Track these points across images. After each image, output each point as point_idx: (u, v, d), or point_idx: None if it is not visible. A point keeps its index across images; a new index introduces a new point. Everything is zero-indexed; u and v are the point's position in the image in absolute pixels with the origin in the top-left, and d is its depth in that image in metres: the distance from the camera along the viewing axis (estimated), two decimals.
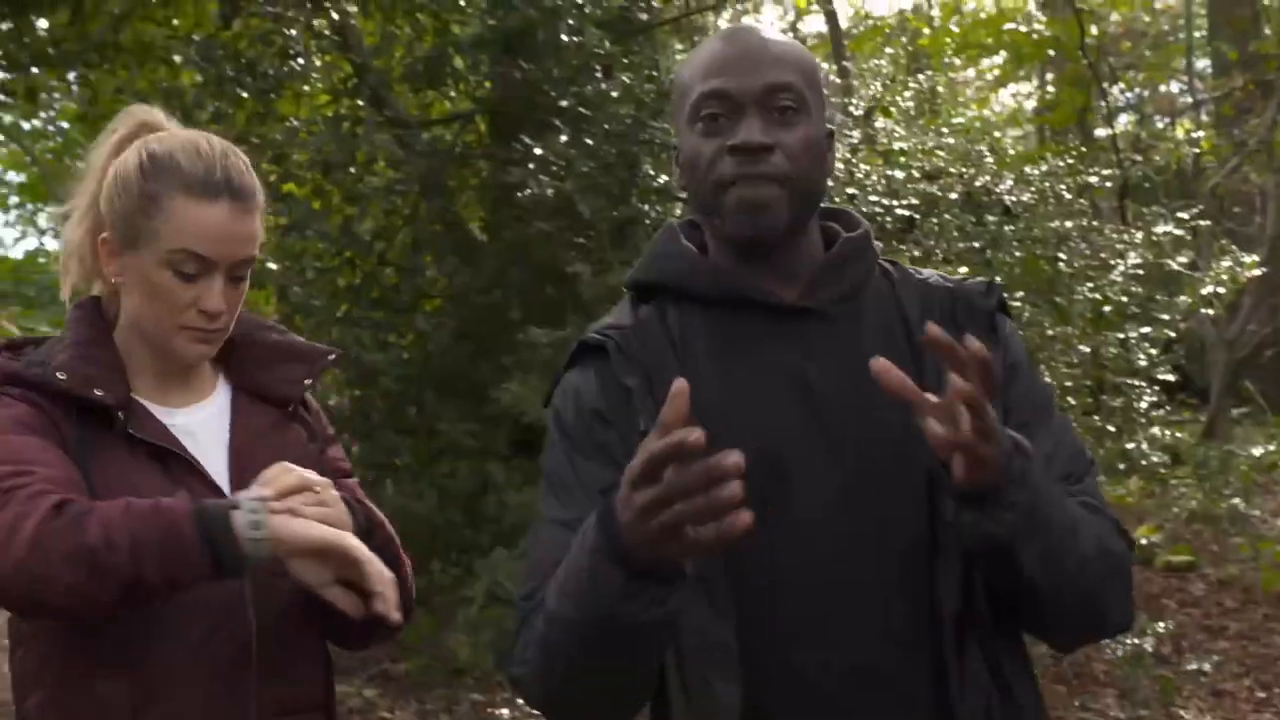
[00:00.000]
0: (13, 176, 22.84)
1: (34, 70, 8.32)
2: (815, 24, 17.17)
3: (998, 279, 2.08)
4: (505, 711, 6.21)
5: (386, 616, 1.89)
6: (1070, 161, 6.73)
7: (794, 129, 1.88)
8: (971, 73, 16.43)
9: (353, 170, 7.30)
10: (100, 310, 2.12)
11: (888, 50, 11.89)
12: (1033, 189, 6.54)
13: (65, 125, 19.41)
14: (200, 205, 1.98)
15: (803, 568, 1.86)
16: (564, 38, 7.44)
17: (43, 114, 17.05)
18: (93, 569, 1.76)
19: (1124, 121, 13.96)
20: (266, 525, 1.82)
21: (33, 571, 1.77)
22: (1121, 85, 13.20)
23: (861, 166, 7.11)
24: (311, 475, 1.93)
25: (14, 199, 23.47)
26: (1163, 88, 16.63)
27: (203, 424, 2.11)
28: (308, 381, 2.22)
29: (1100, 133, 12.25)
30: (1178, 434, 7.70)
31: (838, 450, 1.88)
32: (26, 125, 19.06)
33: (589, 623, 1.70)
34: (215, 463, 2.07)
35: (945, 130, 7.19)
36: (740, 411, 1.88)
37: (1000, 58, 15.72)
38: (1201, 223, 8.91)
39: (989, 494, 1.71)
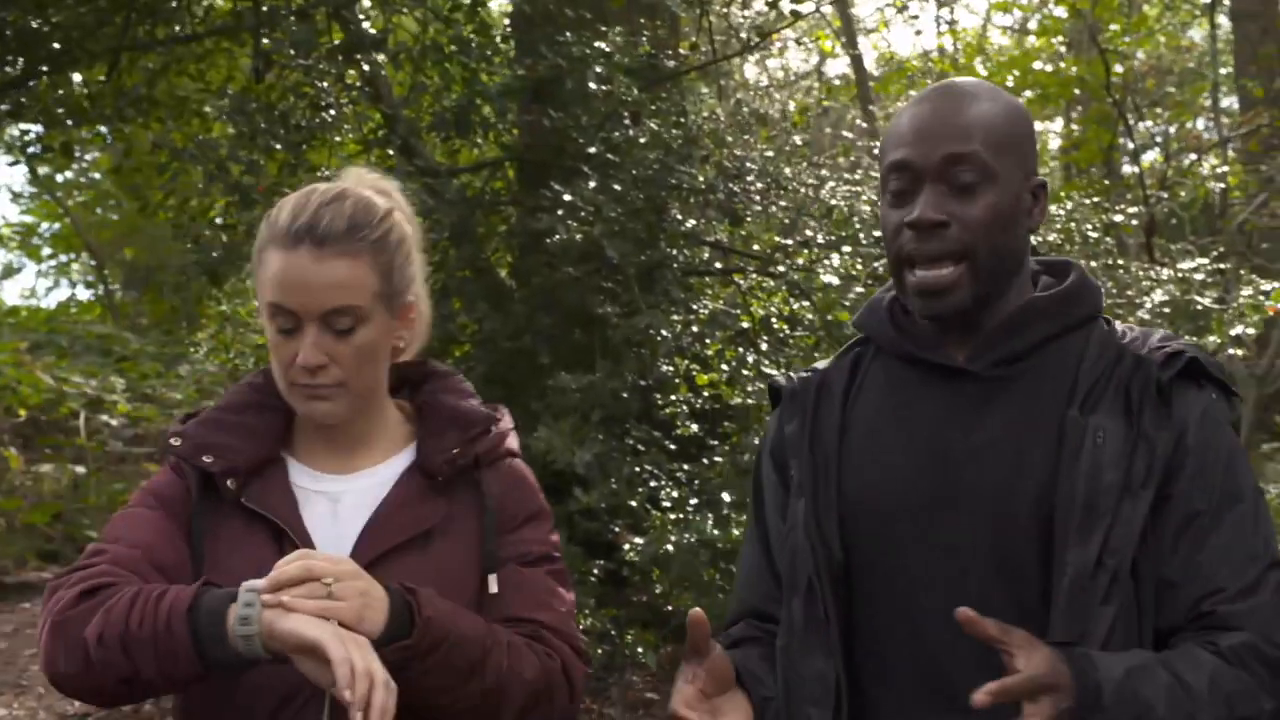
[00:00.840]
0: (45, 227, 23.09)
1: (70, 125, 8.45)
2: (840, 66, 17.27)
3: (1188, 344, 1.94)
4: None
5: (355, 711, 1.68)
6: (1096, 200, 6.73)
7: (974, 201, 1.87)
8: None
9: None
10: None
11: (912, 92, 11.95)
12: (1058, 227, 6.56)
13: (97, 176, 19.65)
14: (279, 255, 1.95)
15: (909, 617, 1.91)
16: (592, 85, 7.51)
17: (75, 166, 17.27)
18: (89, 662, 1.79)
19: (1149, 158, 13.96)
20: (257, 620, 1.73)
21: (46, 657, 1.85)
22: (1147, 122, 13.22)
23: None
24: (324, 565, 1.78)
25: (46, 250, 23.72)
26: (1188, 124, 16.62)
27: (358, 491, 2.04)
28: (455, 451, 2.06)
29: (1126, 169, 12.27)
30: None
31: (958, 511, 1.89)
32: (60, 177, 19.30)
33: None
34: (349, 533, 1.98)
35: None
36: (878, 465, 1.97)
37: (1025, 97, 15.76)
38: (1228, 262, 8.90)
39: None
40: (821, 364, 2.17)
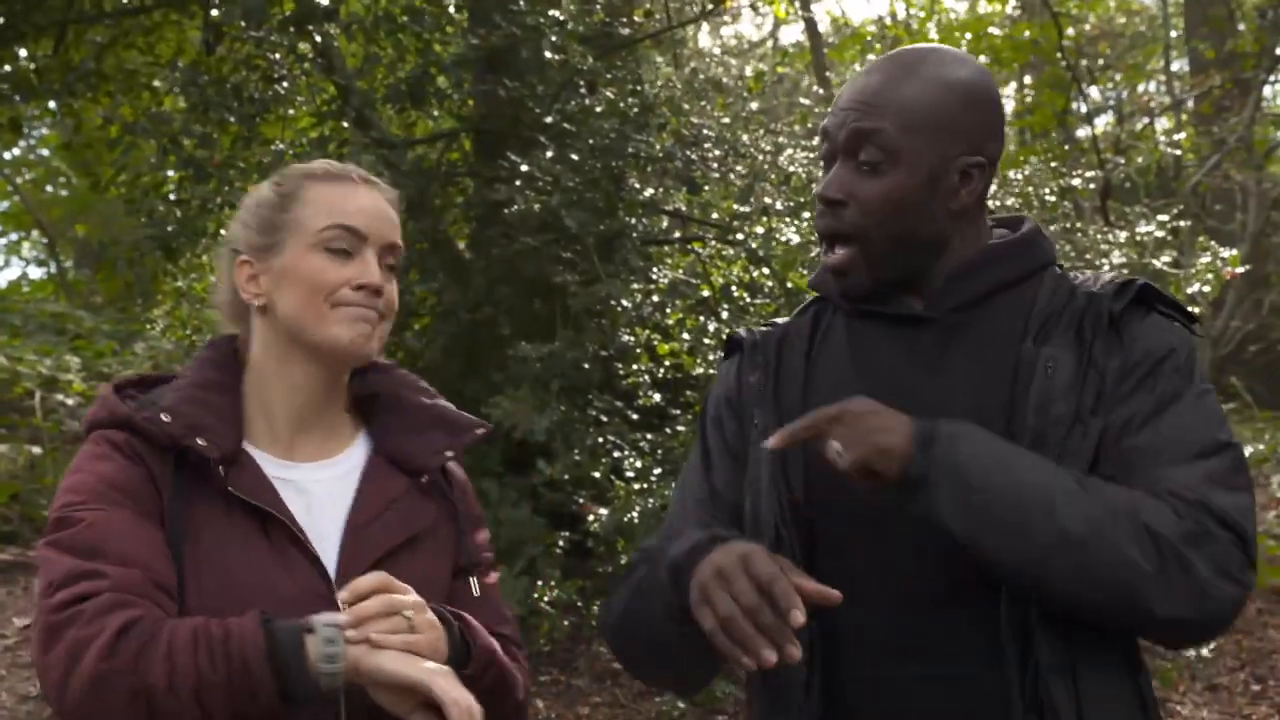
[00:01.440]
0: None
1: (17, 100, 8.32)
2: (794, 33, 17.27)
3: (1141, 279, 1.96)
4: None
5: None
6: (1053, 164, 6.76)
7: (877, 180, 1.88)
8: None
9: None
10: (234, 351, 2.04)
11: (868, 57, 11.95)
12: (1016, 192, 6.59)
13: (45, 153, 19.42)
14: (337, 186, 1.99)
15: (878, 560, 1.91)
16: (547, 54, 7.47)
17: (22, 143, 17.05)
18: (153, 712, 1.67)
19: (1102, 122, 14.04)
20: (343, 657, 1.71)
21: (81, 711, 1.68)
22: (1099, 87, 13.29)
23: None
24: (403, 597, 1.79)
25: None
26: (1141, 87, 16.72)
27: (326, 482, 1.99)
28: (449, 454, 2.06)
29: (1080, 133, 12.33)
30: None
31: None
32: (7, 154, 19.06)
33: (653, 623, 1.89)
34: (328, 527, 1.94)
35: None
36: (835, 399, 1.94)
37: (979, 62, 15.79)
38: (1183, 222, 8.98)
39: (901, 483, 1.78)
40: (781, 320, 2.19)
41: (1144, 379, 1.85)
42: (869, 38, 13.70)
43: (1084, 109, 11.57)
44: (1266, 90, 11.01)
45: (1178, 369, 1.86)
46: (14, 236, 23.79)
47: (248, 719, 1.71)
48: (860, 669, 1.91)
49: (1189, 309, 1.99)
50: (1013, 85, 17.82)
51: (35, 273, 22.74)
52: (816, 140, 7.98)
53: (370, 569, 1.86)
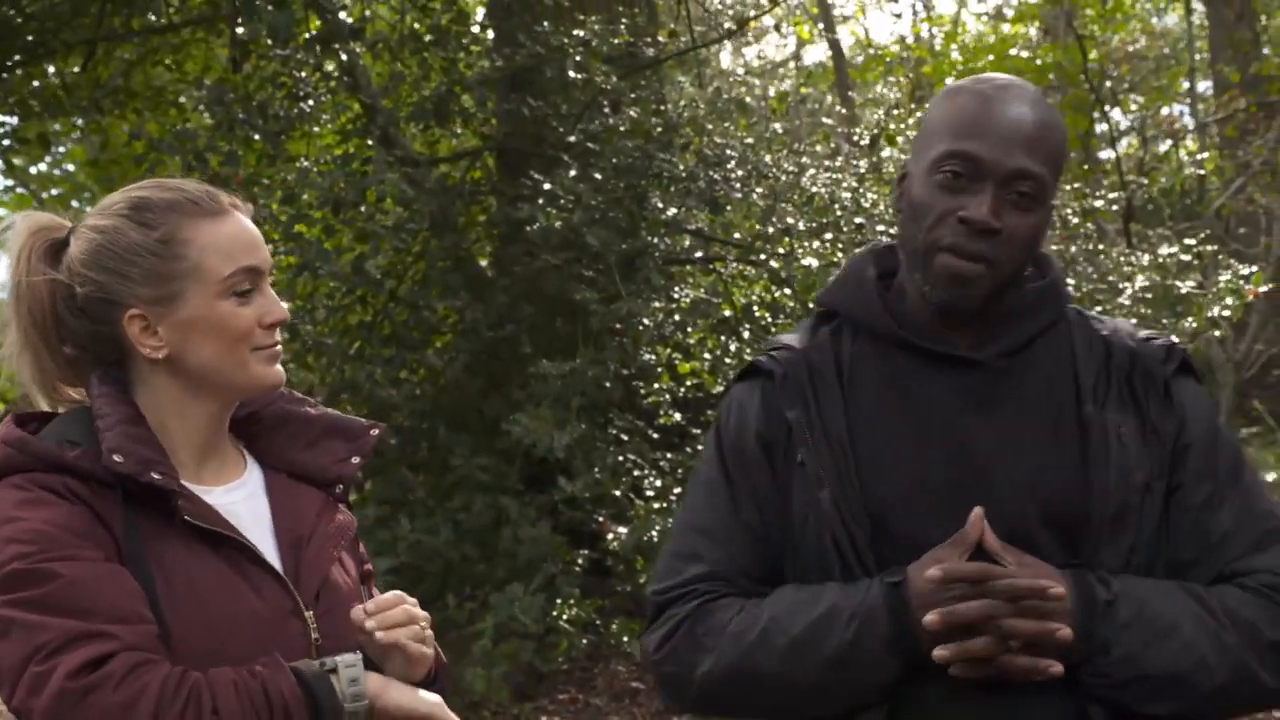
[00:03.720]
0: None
1: (45, 116, 8.39)
2: (816, 54, 17.28)
3: (1176, 340, 2.08)
4: None
5: None
6: (1076, 186, 6.75)
7: (1025, 217, 1.92)
8: None
9: (363, 209, 7.36)
10: (126, 385, 1.95)
11: (890, 79, 11.97)
12: None
13: (71, 169, 19.52)
14: (217, 222, 1.90)
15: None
16: (571, 74, 7.50)
17: (48, 158, 17.15)
18: None
19: (1124, 145, 14.01)
20: (365, 696, 1.78)
21: None
22: (1121, 109, 13.26)
23: (868, 195, 7.15)
24: (416, 610, 1.87)
25: None
26: (1164, 110, 16.69)
27: (243, 504, 1.97)
28: (356, 460, 2.08)
29: (1104, 155, 12.31)
30: None
31: (984, 500, 1.91)
32: (33, 169, 19.16)
33: (818, 676, 1.90)
34: (264, 546, 1.94)
35: None
36: (894, 454, 1.97)
37: None
38: (1207, 246, 8.93)
39: (1081, 664, 1.84)
40: (789, 339, 2.13)
41: (1208, 452, 1.96)
42: (891, 58, 13.72)
43: (1108, 131, 11.55)
44: None
45: (1230, 442, 2.00)
46: None
47: None
48: (924, 700, 1.91)
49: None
50: None
51: None
52: (839, 161, 8.01)
53: (322, 582, 1.93)
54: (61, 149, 16.33)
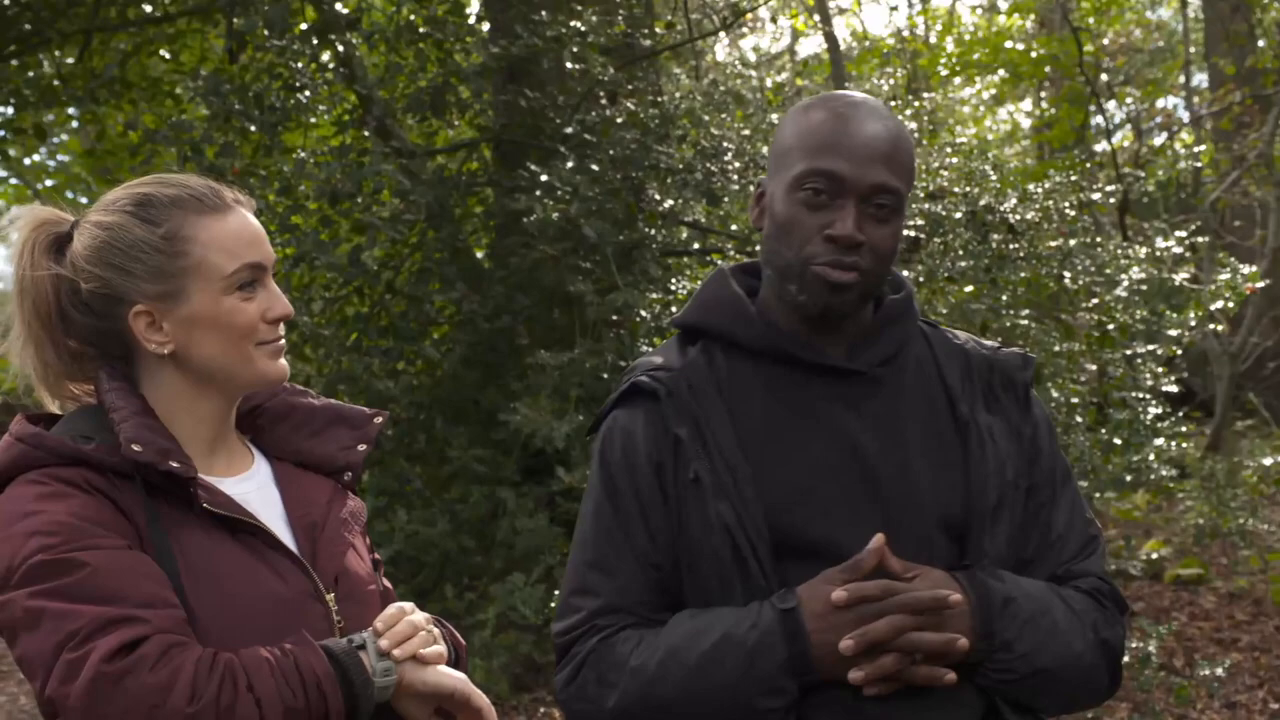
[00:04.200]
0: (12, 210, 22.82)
1: (41, 106, 8.38)
2: (811, 46, 17.27)
3: (1025, 350, 2.24)
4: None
5: None
6: (1074, 178, 6.76)
7: (885, 227, 2.00)
8: (965, 92, 16.50)
9: (359, 200, 7.35)
10: (134, 380, 1.97)
11: (886, 70, 11.97)
12: (1037, 207, 6.58)
13: (65, 159, 19.48)
14: (221, 218, 1.92)
15: None
16: (568, 65, 7.50)
17: (42, 148, 17.11)
18: None
19: (1118, 137, 14.02)
20: (394, 673, 1.83)
21: None
22: (1116, 102, 13.27)
23: None
24: (420, 616, 1.92)
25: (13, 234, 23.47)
26: (1159, 103, 16.70)
27: (255, 494, 2.00)
28: (362, 447, 2.11)
29: (1099, 148, 12.32)
30: (1183, 446, 7.74)
31: (882, 509, 2.00)
32: (26, 161, 19.12)
33: (719, 702, 1.92)
34: (279, 533, 1.96)
35: (949, 149, 7.24)
36: (787, 464, 2.01)
37: (997, 76, 15.80)
38: (1201, 238, 8.96)
39: (984, 661, 1.94)
40: (659, 360, 2.12)
41: (1050, 456, 2.13)
42: (887, 50, 13.72)
43: (1103, 124, 11.56)
44: None
45: (1058, 449, 2.16)
46: None
47: None
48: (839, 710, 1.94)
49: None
50: (1027, 101, 17.82)
51: None
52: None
53: (339, 567, 1.98)
54: (56, 140, 16.28)
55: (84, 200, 20.62)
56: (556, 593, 6.40)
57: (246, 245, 1.93)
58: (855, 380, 2.06)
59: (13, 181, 21.35)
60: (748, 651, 1.90)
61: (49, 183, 20.21)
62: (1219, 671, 5.82)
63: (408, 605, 1.91)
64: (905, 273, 5.90)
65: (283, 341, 1.98)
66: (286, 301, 1.97)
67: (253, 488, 2.01)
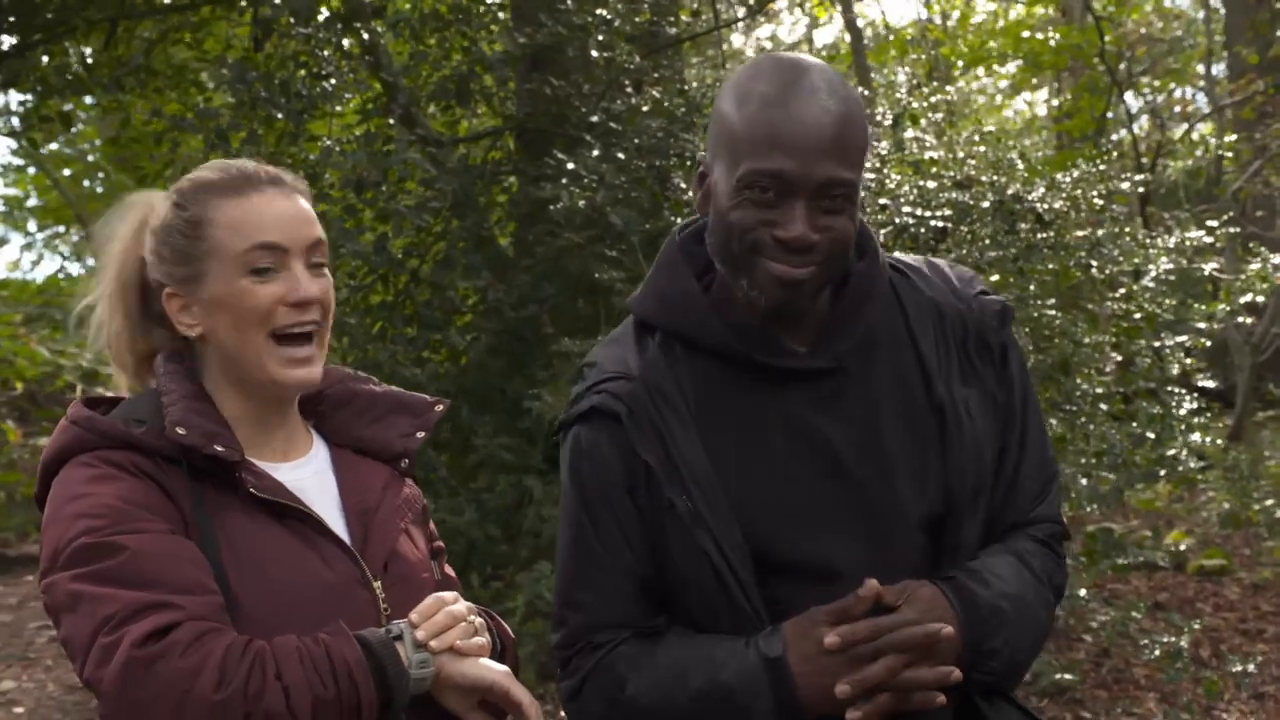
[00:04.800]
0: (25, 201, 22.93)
1: (66, 94, 8.39)
2: (827, 36, 17.25)
3: (1003, 298, 2.11)
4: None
5: None
6: (1102, 168, 6.74)
7: (839, 217, 1.87)
8: (982, 82, 16.46)
9: (384, 188, 7.35)
10: (194, 365, 1.98)
11: (912, 57, 11.94)
12: (1064, 196, 6.56)
13: (85, 147, 19.53)
14: (244, 199, 1.91)
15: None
16: (593, 53, 7.49)
17: (61, 136, 17.16)
18: None
19: (1136, 127, 13.98)
20: (432, 664, 1.80)
21: None
22: (1135, 92, 13.23)
23: (893, 176, 7.13)
24: (462, 606, 1.88)
25: (31, 223, 23.58)
26: (1178, 92, 16.64)
27: (310, 480, 1.99)
28: (420, 434, 2.10)
29: (1117, 137, 12.28)
30: (1207, 437, 7.72)
31: (865, 520, 1.95)
32: (44, 150, 19.17)
33: None
34: (330, 518, 1.96)
35: (976, 138, 7.21)
36: (765, 483, 1.95)
37: (1014, 66, 15.76)
38: (1231, 229, 8.93)
39: (969, 669, 1.90)
40: (615, 361, 2.02)
41: (1023, 410, 2.06)
42: (909, 37, 13.69)
43: (1125, 113, 11.52)
44: None
45: (1030, 390, 2.08)
46: (49, 231, 23.96)
47: None
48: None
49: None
50: (1043, 91, 17.77)
51: (73, 268, 22.87)
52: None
53: (389, 552, 1.97)
54: (75, 128, 16.32)
55: (99, 190, 20.68)
56: None
57: (260, 226, 1.90)
58: (825, 379, 1.96)
59: (29, 170, 21.43)
60: (736, 702, 1.88)
61: (66, 171, 20.27)
62: (1250, 668, 5.81)
63: (449, 595, 1.88)
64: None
65: (309, 350, 1.94)
66: (312, 286, 1.92)
67: (309, 473, 2.00)
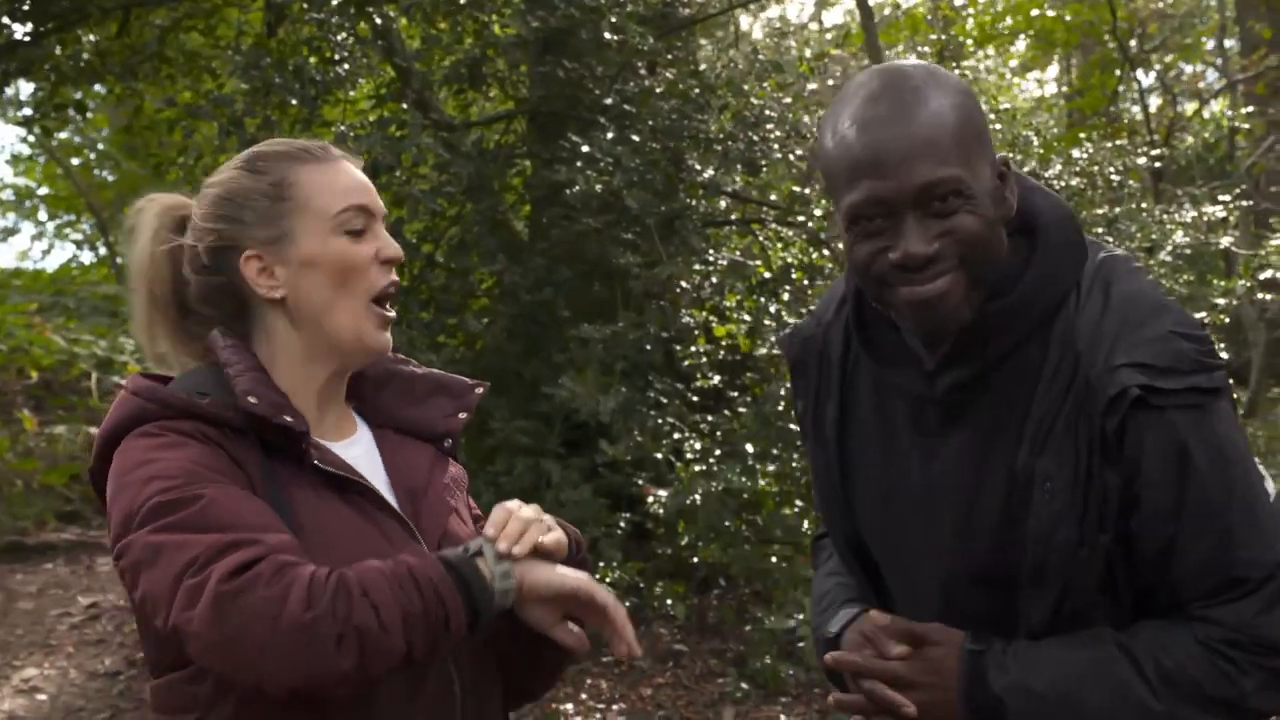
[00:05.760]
0: (42, 189, 22.94)
1: (80, 82, 8.39)
2: (835, 16, 17.19)
3: (1144, 369, 1.77)
4: (569, 706, 6.26)
5: (631, 654, 1.86)
6: (1119, 143, 6.72)
7: (959, 217, 1.77)
8: (992, 61, 16.39)
9: (399, 173, 7.35)
10: (247, 340, 1.99)
11: (920, 35, 11.90)
12: (1080, 173, 6.55)
13: (94, 136, 19.53)
14: (326, 167, 1.97)
15: (929, 597, 2.00)
16: (606, 35, 7.48)
17: (72, 125, 17.16)
18: (365, 652, 1.67)
19: (1149, 104, 13.92)
20: (513, 575, 1.79)
21: (305, 660, 1.66)
22: (1145, 68, 13.17)
23: None
24: (530, 509, 1.87)
25: (42, 212, 23.59)
26: (1189, 68, 16.56)
27: (362, 458, 2.00)
28: (463, 415, 2.12)
29: (1130, 113, 12.24)
30: None
31: (936, 556, 1.95)
32: (54, 139, 19.17)
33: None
34: (385, 495, 1.98)
35: (991, 117, 7.20)
36: (866, 470, 2.04)
37: (1023, 44, 15.69)
38: (1246, 202, 8.89)
39: None
40: (823, 303, 2.13)
41: (1174, 493, 1.78)
42: (922, 16, 13.64)
43: (1138, 90, 11.48)
44: None
45: (1208, 477, 1.78)
46: (60, 220, 23.96)
47: (435, 653, 1.76)
48: None
49: (1209, 361, 1.81)
50: (1054, 68, 17.69)
51: (85, 256, 22.87)
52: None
53: (443, 529, 1.98)
54: (88, 116, 16.31)
55: (110, 178, 20.69)
56: (601, 564, 6.43)
57: (350, 190, 1.95)
58: (931, 405, 1.92)
59: (39, 159, 21.43)
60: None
61: (75, 161, 20.28)
62: None
63: (512, 503, 1.87)
64: None
65: (392, 312, 1.99)
66: (397, 246, 1.98)
67: (360, 452, 2.02)
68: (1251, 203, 10.33)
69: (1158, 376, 1.76)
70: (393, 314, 2.00)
